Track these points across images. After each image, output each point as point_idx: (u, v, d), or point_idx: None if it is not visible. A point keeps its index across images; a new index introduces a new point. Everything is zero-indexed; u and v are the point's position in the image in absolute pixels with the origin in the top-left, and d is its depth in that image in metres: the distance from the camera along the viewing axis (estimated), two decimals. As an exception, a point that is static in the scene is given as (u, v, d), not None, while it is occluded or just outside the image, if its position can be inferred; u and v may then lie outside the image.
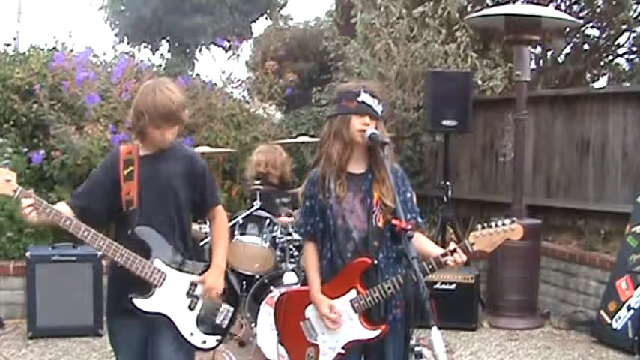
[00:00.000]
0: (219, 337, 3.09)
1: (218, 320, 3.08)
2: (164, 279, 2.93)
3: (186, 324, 2.99)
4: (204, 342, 3.03)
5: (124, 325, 3.01)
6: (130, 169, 2.94)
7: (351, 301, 2.84)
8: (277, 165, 5.43)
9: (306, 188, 3.00)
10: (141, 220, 2.91)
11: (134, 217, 2.91)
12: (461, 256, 2.74)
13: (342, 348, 2.87)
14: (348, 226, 2.84)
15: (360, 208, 2.85)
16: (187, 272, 3.01)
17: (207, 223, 4.34)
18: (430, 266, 2.75)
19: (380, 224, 2.82)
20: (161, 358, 2.95)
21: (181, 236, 3.02)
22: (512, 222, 2.75)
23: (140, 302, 2.91)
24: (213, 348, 3.14)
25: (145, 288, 2.91)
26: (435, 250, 2.85)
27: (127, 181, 2.92)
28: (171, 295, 2.96)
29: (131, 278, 2.89)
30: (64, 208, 2.90)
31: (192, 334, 3.00)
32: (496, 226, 2.74)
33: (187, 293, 3.00)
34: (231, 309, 3.12)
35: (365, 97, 2.83)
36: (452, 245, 2.80)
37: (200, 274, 3.03)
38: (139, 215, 2.91)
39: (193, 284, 3.01)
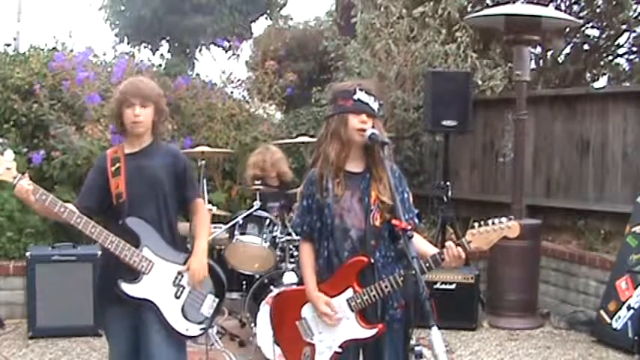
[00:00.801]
0: (203, 327, 3.22)
1: (203, 310, 3.21)
2: (152, 267, 3.07)
3: (172, 311, 3.12)
4: (188, 330, 3.16)
5: (114, 314, 3.15)
6: (117, 165, 3.13)
7: (347, 300, 2.84)
8: (268, 166, 5.41)
9: (304, 187, 3.01)
10: (130, 211, 3.07)
11: (124, 209, 3.07)
12: (458, 254, 2.74)
13: (339, 347, 2.88)
14: (346, 225, 2.85)
15: (358, 207, 2.85)
16: (174, 262, 3.14)
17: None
18: (427, 265, 2.75)
19: (377, 223, 2.82)
20: (151, 347, 3.06)
21: (168, 227, 3.17)
22: (509, 220, 2.76)
23: (127, 287, 3.05)
24: (197, 336, 3.29)
25: (133, 275, 3.05)
26: (431, 249, 2.85)
27: (115, 176, 3.11)
28: (158, 283, 3.09)
29: (120, 268, 3.03)
30: (70, 208, 3.04)
31: (176, 321, 3.13)
32: (493, 223, 2.75)
33: (174, 282, 3.14)
34: (217, 299, 3.25)
35: (361, 95, 2.84)
36: (449, 243, 2.80)
37: (185, 263, 3.17)
38: (129, 207, 3.07)
39: (180, 274, 3.14)
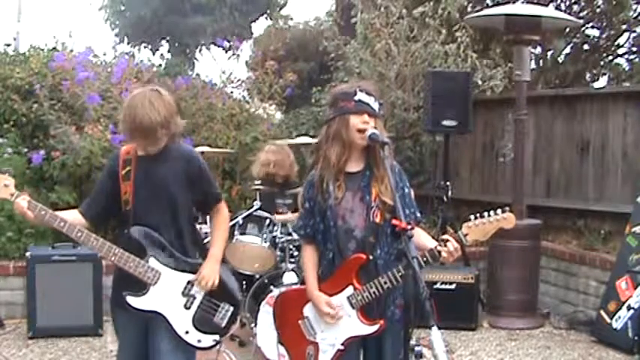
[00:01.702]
0: (216, 337, 3.10)
1: (216, 319, 3.09)
2: (158, 278, 2.97)
3: (181, 322, 3.02)
4: (200, 341, 3.06)
5: (125, 319, 3.08)
6: (128, 168, 3.01)
7: (348, 297, 2.85)
8: (285, 166, 5.43)
9: (305, 190, 3.01)
10: (136, 219, 2.97)
11: (130, 217, 2.97)
12: (455, 248, 2.73)
13: (342, 344, 2.89)
14: (349, 225, 2.85)
15: (360, 206, 2.85)
16: (184, 271, 3.03)
17: (208, 221, 4.38)
18: (425, 259, 2.75)
19: (377, 220, 2.83)
20: (159, 357, 2.99)
21: (178, 235, 3.05)
22: (504, 211, 2.78)
23: (133, 300, 2.96)
24: (211, 347, 3.14)
25: (141, 286, 2.96)
26: (431, 242, 2.84)
27: (125, 180, 3.00)
28: (166, 294, 2.99)
29: (130, 277, 2.95)
30: (75, 215, 3.00)
31: (187, 332, 3.03)
32: (489, 215, 2.78)
33: (183, 292, 3.03)
34: (231, 308, 3.13)
35: (361, 95, 2.85)
36: (445, 236, 2.80)
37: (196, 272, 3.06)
38: (134, 215, 2.97)
39: (190, 283, 3.03)
